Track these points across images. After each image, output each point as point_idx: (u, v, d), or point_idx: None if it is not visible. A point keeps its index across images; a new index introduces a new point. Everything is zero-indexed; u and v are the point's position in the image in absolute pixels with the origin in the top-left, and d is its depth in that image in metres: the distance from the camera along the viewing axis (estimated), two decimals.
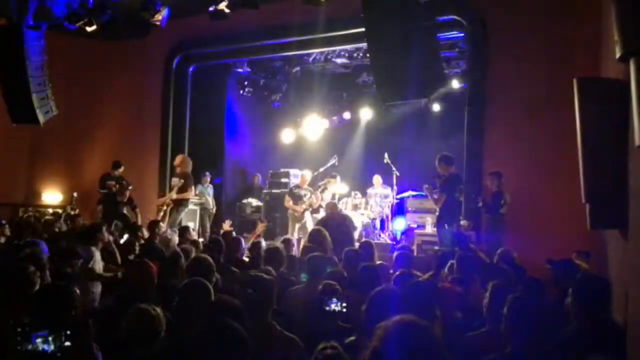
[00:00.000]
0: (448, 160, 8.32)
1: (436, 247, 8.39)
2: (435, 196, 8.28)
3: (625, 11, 2.89)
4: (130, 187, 10.61)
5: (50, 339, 2.56)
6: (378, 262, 5.76)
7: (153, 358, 3.13)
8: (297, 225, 10.50)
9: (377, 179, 12.27)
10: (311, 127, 14.46)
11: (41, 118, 8.37)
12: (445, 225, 8.05)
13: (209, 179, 12.10)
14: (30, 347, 2.54)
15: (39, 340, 2.55)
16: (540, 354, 3.01)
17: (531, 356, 2.95)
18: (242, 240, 6.93)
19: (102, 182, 10.85)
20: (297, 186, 10.93)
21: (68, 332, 2.61)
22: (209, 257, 4.71)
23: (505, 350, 3.00)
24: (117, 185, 10.44)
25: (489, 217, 8.22)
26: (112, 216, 9.95)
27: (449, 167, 8.28)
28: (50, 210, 11.81)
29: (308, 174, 11.11)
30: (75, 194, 11.32)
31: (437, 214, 8.58)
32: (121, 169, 10.86)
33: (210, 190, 12.17)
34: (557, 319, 3.71)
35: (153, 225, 7.87)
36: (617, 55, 3.04)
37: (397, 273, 4.88)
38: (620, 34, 2.92)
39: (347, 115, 14.50)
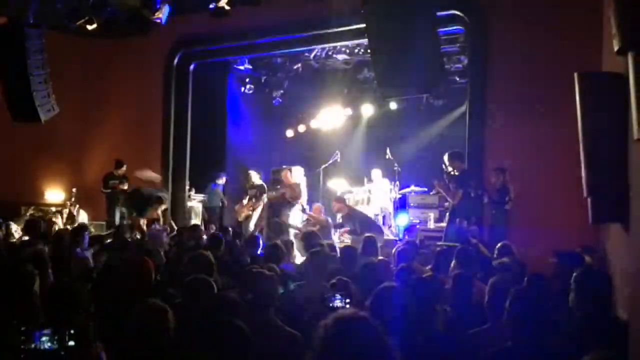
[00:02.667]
0: (460, 157, 8.33)
1: (439, 243, 8.38)
2: (452, 192, 8.19)
3: (623, 4, 2.88)
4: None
5: (53, 338, 2.57)
6: (379, 258, 5.76)
7: (157, 355, 3.13)
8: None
9: (376, 173, 12.23)
10: (313, 123, 14.51)
11: (42, 116, 8.39)
12: (457, 220, 8.02)
13: (223, 179, 12.17)
14: (34, 346, 2.54)
15: (42, 339, 2.56)
16: (541, 348, 3.01)
17: (532, 351, 2.95)
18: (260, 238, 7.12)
19: (106, 182, 10.94)
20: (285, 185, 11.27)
21: (72, 332, 2.61)
22: (209, 254, 4.73)
23: (506, 345, 3.00)
24: (119, 184, 10.83)
25: (493, 213, 8.22)
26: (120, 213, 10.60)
27: (462, 163, 8.28)
28: (53, 209, 11.84)
29: (289, 173, 11.47)
30: (74, 190, 11.33)
31: (450, 209, 8.54)
32: (124, 168, 10.97)
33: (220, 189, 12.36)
34: (559, 314, 3.71)
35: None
36: (616, 49, 3.03)
37: (398, 268, 4.88)
38: (619, 28, 2.91)
39: (348, 111, 14.48)
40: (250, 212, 11.18)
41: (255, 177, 11.51)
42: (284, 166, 11.90)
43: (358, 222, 9.56)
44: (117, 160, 11.05)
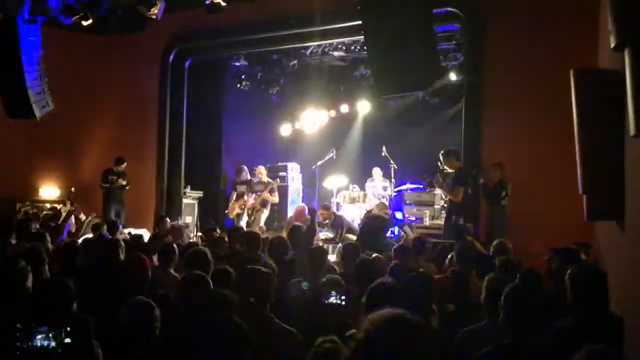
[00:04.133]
0: (457, 155, 8.35)
1: (434, 240, 8.38)
2: (452, 190, 8.19)
3: (620, 0, 2.87)
4: (127, 187, 10.81)
5: (50, 335, 2.55)
6: (374, 255, 5.76)
7: (152, 353, 3.13)
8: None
9: (376, 171, 12.28)
10: (309, 120, 14.49)
11: (37, 112, 8.36)
12: (453, 217, 8.04)
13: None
14: (30, 344, 2.53)
15: (39, 337, 2.54)
16: (537, 345, 3.02)
17: (528, 347, 2.96)
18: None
19: (105, 177, 10.91)
20: (260, 182, 11.27)
21: (68, 329, 2.60)
22: (206, 250, 4.72)
23: (503, 342, 3.00)
24: (117, 180, 10.81)
25: (491, 209, 8.25)
26: (115, 209, 10.57)
27: (458, 161, 8.30)
28: (48, 205, 11.80)
29: (263, 169, 11.52)
30: (73, 189, 11.25)
31: (448, 207, 8.55)
32: (124, 165, 10.95)
33: None
34: (554, 310, 3.72)
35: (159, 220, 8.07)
36: (612, 45, 3.02)
37: (391, 265, 4.89)
38: (616, 24, 2.91)
39: (344, 108, 14.48)
40: (241, 211, 11.13)
41: (247, 174, 11.46)
42: (245, 167, 11.86)
43: (345, 228, 9.61)
44: (117, 157, 11.01)
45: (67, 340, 2.57)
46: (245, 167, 11.58)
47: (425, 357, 1.84)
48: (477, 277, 4.77)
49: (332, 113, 14.52)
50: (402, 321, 1.86)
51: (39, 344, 2.52)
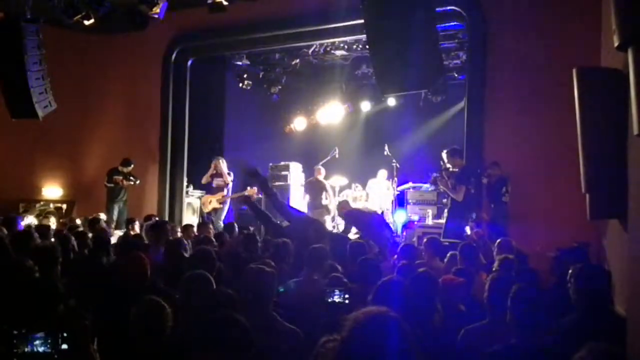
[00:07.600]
0: (459, 154, 8.38)
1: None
2: (456, 188, 8.20)
3: (623, 0, 2.88)
4: (138, 182, 10.80)
5: (47, 341, 2.54)
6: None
7: (158, 352, 3.13)
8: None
9: (382, 173, 12.29)
10: (310, 119, 14.50)
11: (40, 112, 8.37)
12: (457, 217, 8.04)
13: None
14: (26, 350, 2.52)
15: (36, 342, 2.53)
16: (541, 344, 3.03)
17: (533, 346, 2.96)
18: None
19: (110, 176, 10.92)
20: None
21: (65, 334, 2.59)
22: (211, 249, 4.72)
23: (510, 342, 3.01)
24: (124, 180, 10.84)
25: (492, 207, 8.25)
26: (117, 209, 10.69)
27: (461, 160, 8.33)
28: (52, 206, 11.82)
29: (222, 161, 11.29)
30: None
31: (448, 206, 8.56)
32: (130, 167, 10.95)
33: None
34: (557, 309, 3.72)
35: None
36: (615, 44, 3.03)
37: (399, 265, 4.89)
38: (618, 23, 2.91)
39: (346, 107, 14.47)
40: (219, 205, 11.00)
41: (224, 166, 11.25)
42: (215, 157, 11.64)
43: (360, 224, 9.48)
44: (125, 159, 11.01)
45: (64, 346, 2.56)
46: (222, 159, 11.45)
47: (408, 354, 1.85)
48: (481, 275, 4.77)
49: (334, 112, 14.51)
50: (382, 319, 1.87)
51: (35, 349, 2.51)
